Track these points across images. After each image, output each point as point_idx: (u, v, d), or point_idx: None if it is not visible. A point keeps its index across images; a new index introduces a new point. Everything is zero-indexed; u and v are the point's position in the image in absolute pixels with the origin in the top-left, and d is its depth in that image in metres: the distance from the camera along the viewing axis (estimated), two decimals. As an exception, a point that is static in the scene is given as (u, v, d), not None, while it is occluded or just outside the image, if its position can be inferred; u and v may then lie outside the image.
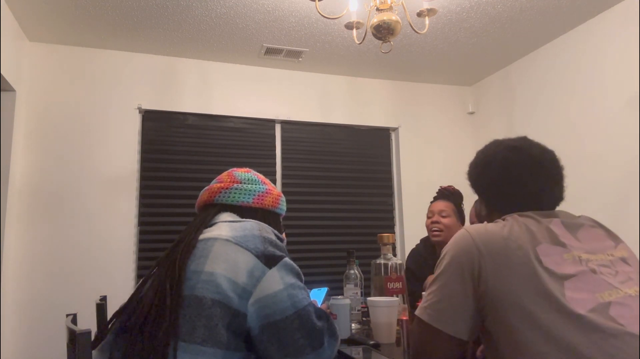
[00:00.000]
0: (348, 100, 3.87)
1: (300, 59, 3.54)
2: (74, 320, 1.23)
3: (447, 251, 1.02)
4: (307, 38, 3.23)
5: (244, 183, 1.22)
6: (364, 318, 1.69)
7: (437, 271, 1.02)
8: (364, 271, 1.78)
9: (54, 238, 3.02)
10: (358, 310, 1.66)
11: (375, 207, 3.82)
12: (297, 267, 1.06)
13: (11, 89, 2.85)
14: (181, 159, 3.40)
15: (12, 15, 2.81)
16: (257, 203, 1.21)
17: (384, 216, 3.83)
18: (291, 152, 3.68)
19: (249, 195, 1.21)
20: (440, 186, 2.33)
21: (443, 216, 2.20)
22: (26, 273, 2.95)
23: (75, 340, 0.95)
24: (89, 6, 2.77)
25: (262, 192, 1.22)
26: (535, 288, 0.88)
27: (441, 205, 2.24)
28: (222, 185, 1.21)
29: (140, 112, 3.36)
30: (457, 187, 2.27)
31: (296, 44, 3.31)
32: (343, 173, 3.78)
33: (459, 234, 1.03)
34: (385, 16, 2.07)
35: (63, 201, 3.08)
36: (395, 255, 1.74)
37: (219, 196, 1.19)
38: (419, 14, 2.18)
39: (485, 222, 1.13)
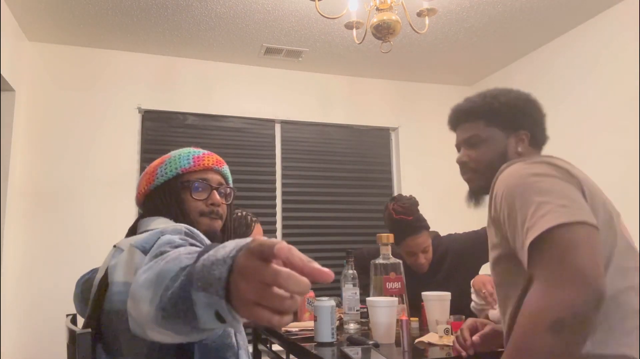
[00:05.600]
0: (348, 100, 3.87)
1: (300, 59, 3.54)
2: (74, 320, 1.23)
3: (533, 173, 0.97)
4: (307, 38, 3.23)
5: None
6: (363, 319, 1.68)
7: (530, 193, 0.93)
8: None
9: (54, 238, 3.02)
10: (357, 310, 1.66)
11: (375, 207, 3.81)
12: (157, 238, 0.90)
13: (11, 89, 2.85)
14: (181, 159, 3.39)
15: (11, 15, 2.81)
16: (139, 193, 1.18)
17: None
18: (291, 152, 3.68)
19: (136, 191, 1.20)
20: (399, 217, 1.96)
21: (426, 252, 1.99)
22: (26, 273, 2.95)
23: (75, 340, 0.95)
24: (89, 6, 2.77)
25: (139, 182, 1.19)
26: (610, 216, 0.99)
27: (421, 240, 1.96)
28: None
29: (140, 112, 3.36)
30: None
31: (296, 43, 3.31)
32: (343, 173, 3.78)
33: (534, 164, 1.01)
34: (385, 16, 2.07)
35: (63, 201, 3.08)
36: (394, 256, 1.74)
37: None
38: (419, 14, 2.18)
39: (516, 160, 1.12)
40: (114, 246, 1.09)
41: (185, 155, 1.17)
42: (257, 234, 2.04)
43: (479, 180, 1.19)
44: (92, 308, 0.99)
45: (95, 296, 1.01)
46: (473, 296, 1.71)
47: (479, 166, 1.19)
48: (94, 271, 1.23)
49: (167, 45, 3.31)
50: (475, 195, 1.24)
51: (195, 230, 0.99)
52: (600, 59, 2.97)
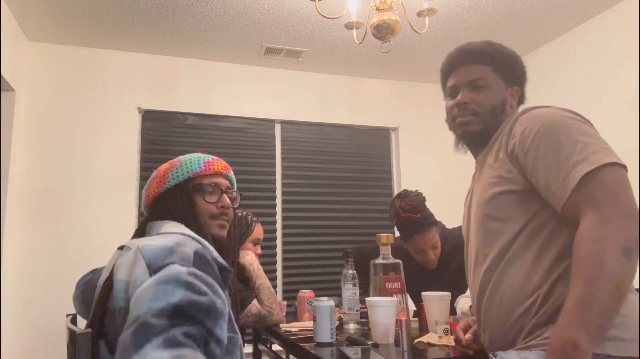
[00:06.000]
0: (348, 100, 3.87)
1: (300, 59, 3.55)
2: (74, 320, 1.23)
3: (570, 116, 1.01)
4: (307, 38, 3.23)
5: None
6: (362, 319, 1.69)
7: (574, 131, 0.97)
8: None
9: (53, 238, 3.03)
10: (357, 310, 1.66)
11: (375, 207, 3.82)
12: (181, 276, 0.88)
13: (10, 89, 2.86)
14: (181, 159, 3.39)
15: (11, 15, 2.81)
16: (148, 197, 1.19)
17: (383, 216, 3.83)
18: (291, 152, 3.68)
19: (143, 196, 1.20)
20: (407, 215, 1.89)
21: (435, 248, 1.95)
22: (26, 273, 2.95)
23: (75, 340, 0.95)
24: (89, 6, 2.77)
25: (147, 185, 1.20)
26: None
27: (429, 237, 1.91)
28: None
29: (140, 112, 3.36)
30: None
31: (296, 43, 3.31)
32: (343, 173, 3.78)
33: (564, 109, 1.04)
34: (385, 16, 2.07)
35: (63, 202, 3.08)
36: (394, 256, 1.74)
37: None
38: (419, 14, 2.18)
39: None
40: (120, 247, 1.10)
41: (195, 160, 1.19)
42: (258, 234, 2.04)
43: (478, 123, 1.17)
44: (95, 307, 1.00)
45: (99, 295, 1.01)
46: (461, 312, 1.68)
47: (481, 109, 1.16)
48: (95, 272, 1.23)
49: (167, 45, 3.31)
50: (468, 139, 1.21)
51: (204, 250, 0.99)
52: (600, 58, 2.97)
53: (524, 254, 1.01)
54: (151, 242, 0.97)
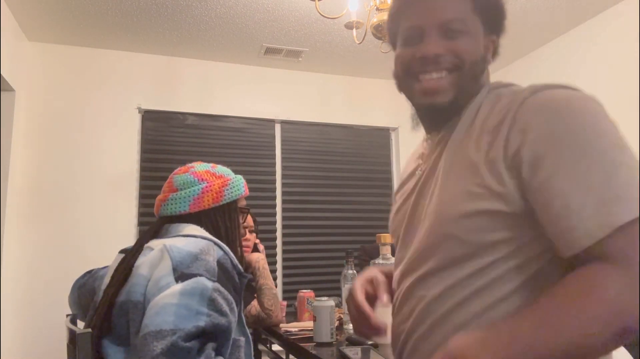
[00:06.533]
0: (348, 100, 3.87)
1: (300, 59, 3.55)
2: (74, 320, 1.23)
3: (605, 114, 0.70)
4: (307, 38, 3.23)
5: (181, 189, 1.18)
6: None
7: (609, 143, 0.66)
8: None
9: (53, 238, 3.03)
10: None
11: (375, 207, 3.82)
12: (208, 292, 0.92)
13: (10, 89, 2.86)
14: (181, 159, 3.39)
15: (11, 15, 2.81)
16: (195, 207, 1.17)
17: (383, 216, 3.83)
18: (291, 152, 3.68)
19: (185, 202, 1.17)
20: None
21: None
22: (26, 273, 2.95)
23: (75, 340, 0.95)
24: (89, 6, 2.77)
25: (197, 195, 1.17)
26: None
27: None
28: (162, 196, 1.20)
29: (140, 112, 3.36)
30: None
31: (296, 43, 3.31)
32: (343, 173, 3.78)
33: (592, 100, 0.73)
34: (385, 16, 2.07)
35: (63, 202, 3.08)
36: (394, 255, 1.74)
37: (161, 210, 1.19)
38: (419, 14, 2.17)
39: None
40: (122, 251, 1.11)
41: (240, 181, 1.26)
42: (248, 223, 2.02)
43: (452, 90, 0.80)
44: (101, 304, 1.00)
45: (105, 291, 1.02)
46: None
47: (462, 63, 0.79)
48: (89, 274, 1.23)
49: (167, 45, 3.31)
50: (434, 114, 0.84)
51: (225, 258, 1.03)
52: (601, 59, 2.97)
53: (492, 295, 0.71)
54: (177, 243, 1.00)
